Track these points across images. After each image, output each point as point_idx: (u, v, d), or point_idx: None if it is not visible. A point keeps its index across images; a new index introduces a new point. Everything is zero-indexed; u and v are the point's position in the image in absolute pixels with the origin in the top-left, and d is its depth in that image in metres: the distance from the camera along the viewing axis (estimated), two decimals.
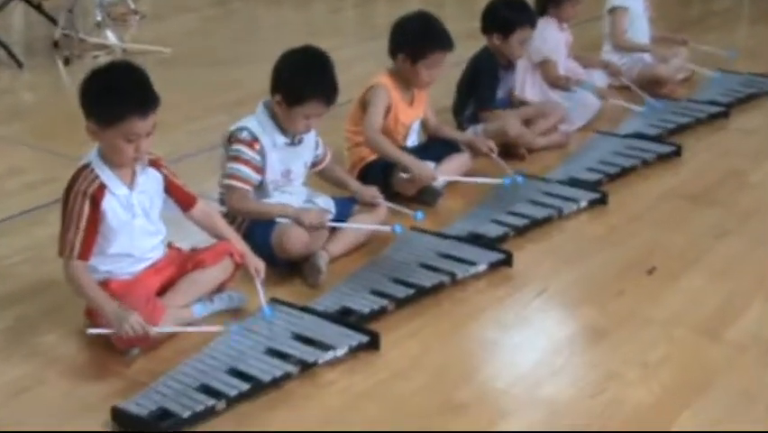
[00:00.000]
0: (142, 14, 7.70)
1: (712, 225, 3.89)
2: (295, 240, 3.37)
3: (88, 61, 6.39)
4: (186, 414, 2.61)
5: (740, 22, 7.85)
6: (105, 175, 2.97)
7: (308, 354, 2.88)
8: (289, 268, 3.44)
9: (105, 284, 3.01)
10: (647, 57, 5.63)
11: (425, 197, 4.05)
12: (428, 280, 3.34)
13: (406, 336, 3.10)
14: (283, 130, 3.52)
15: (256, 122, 3.51)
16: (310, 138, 3.65)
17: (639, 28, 5.68)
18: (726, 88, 5.50)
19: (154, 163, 3.11)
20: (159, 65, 6.18)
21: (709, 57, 5.79)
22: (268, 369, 2.80)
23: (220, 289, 3.23)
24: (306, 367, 2.85)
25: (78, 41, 6.74)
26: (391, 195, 3.89)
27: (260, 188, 3.53)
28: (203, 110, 5.36)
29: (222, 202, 3.55)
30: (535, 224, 3.87)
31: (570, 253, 3.70)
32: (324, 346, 2.92)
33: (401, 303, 3.24)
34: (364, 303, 3.19)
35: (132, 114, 2.87)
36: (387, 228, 3.46)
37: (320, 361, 2.88)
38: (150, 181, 3.09)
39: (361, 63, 5.33)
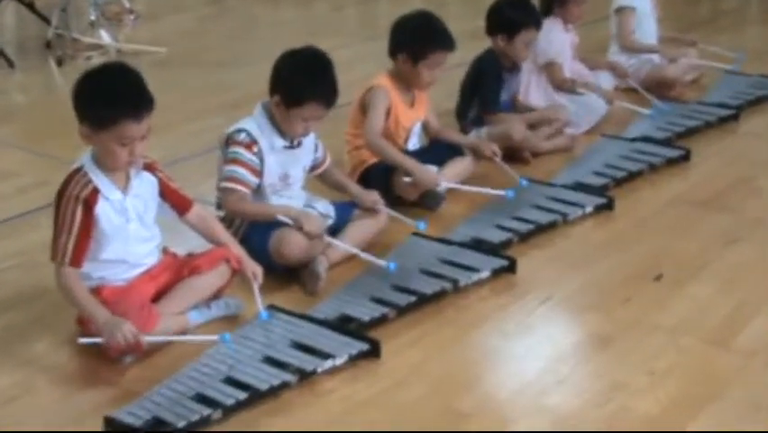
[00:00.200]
0: (137, 14, 7.71)
1: (721, 232, 3.90)
2: (293, 245, 3.38)
3: (82, 62, 6.40)
4: (180, 424, 2.61)
5: (750, 22, 7.86)
6: (99, 179, 2.97)
7: (307, 362, 2.89)
8: (287, 274, 3.44)
9: (98, 291, 3.01)
10: (655, 58, 5.63)
11: (426, 201, 4.05)
12: (430, 286, 3.35)
13: (408, 345, 3.10)
14: (282, 132, 3.53)
15: (254, 124, 3.52)
16: (309, 141, 3.65)
17: (647, 28, 5.69)
18: (735, 90, 5.49)
19: (149, 167, 3.11)
20: (154, 65, 6.20)
21: (718, 59, 5.80)
22: (265, 378, 2.80)
23: (217, 295, 3.23)
24: (304, 376, 2.86)
25: (72, 41, 6.75)
26: (392, 199, 3.89)
27: (258, 191, 3.53)
28: (199, 112, 5.36)
29: (219, 206, 3.55)
30: (540, 229, 3.87)
31: (575, 260, 3.70)
32: (324, 355, 2.93)
33: (402, 311, 3.24)
34: (364, 310, 3.20)
35: (127, 117, 2.88)
36: (381, 263, 3.44)
37: (319, 369, 2.89)
38: (144, 185, 3.10)
39: (363, 64, 5.34)
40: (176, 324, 3.07)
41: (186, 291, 3.15)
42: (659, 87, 5.46)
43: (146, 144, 2.98)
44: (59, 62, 6.44)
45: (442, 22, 4.12)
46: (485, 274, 3.48)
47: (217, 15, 8.06)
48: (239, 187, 3.45)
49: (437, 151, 4.30)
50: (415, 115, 4.22)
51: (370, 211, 3.68)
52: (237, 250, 3.25)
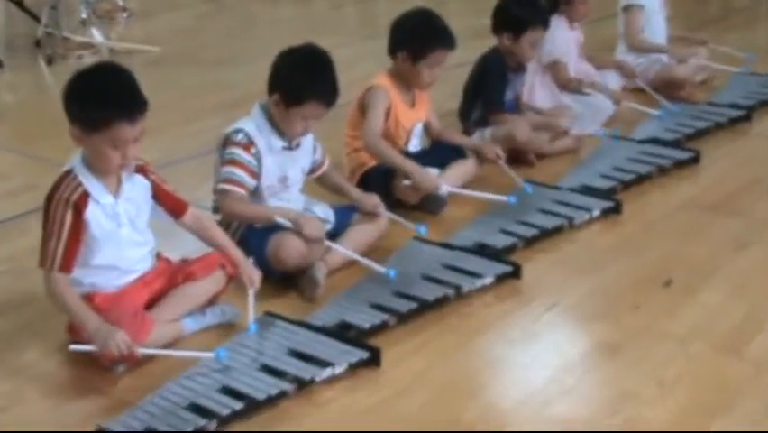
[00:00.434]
0: (130, 11, 7.73)
1: (732, 237, 3.89)
2: (292, 250, 3.38)
3: (73, 61, 6.42)
4: None
5: (761, 20, 7.86)
6: (89, 182, 2.97)
7: (305, 371, 2.89)
8: (285, 280, 3.44)
9: (89, 298, 3.01)
10: (664, 57, 5.64)
11: (428, 205, 4.05)
12: (432, 293, 3.35)
13: (409, 353, 3.10)
14: (280, 133, 3.53)
15: (252, 124, 3.52)
16: (308, 142, 3.66)
17: (655, 27, 5.69)
18: (747, 91, 5.50)
19: (141, 169, 3.10)
20: (147, 65, 6.21)
21: (729, 59, 5.80)
22: (262, 387, 2.80)
23: (212, 302, 3.23)
24: (302, 385, 2.85)
25: (62, 40, 6.77)
26: (393, 202, 3.89)
27: (256, 194, 3.53)
28: (194, 112, 5.37)
29: (215, 210, 3.55)
30: (545, 234, 3.87)
31: (581, 265, 3.70)
32: (322, 363, 2.92)
33: (403, 317, 3.24)
34: (364, 317, 3.19)
35: (120, 119, 2.87)
36: (381, 269, 3.44)
37: (318, 378, 2.88)
38: (136, 189, 3.09)
39: (363, 63, 5.35)
40: (170, 332, 3.06)
41: (180, 298, 3.15)
42: (668, 88, 5.46)
43: (139, 147, 2.98)
44: (49, 61, 6.45)
45: (442, 20, 4.12)
46: (489, 280, 3.47)
47: (214, 13, 8.07)
48: (236, 188, 3.45)
49: (439, 153, 4.30)
50: (415, 116, 4.22)
51: (371, 215, 3.68)
52: (235, 252, 3.24)
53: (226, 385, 2.81)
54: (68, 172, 2.98)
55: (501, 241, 3.77)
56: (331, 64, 3.51)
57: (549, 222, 3.92)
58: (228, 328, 3.20)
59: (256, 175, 3.49)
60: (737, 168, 4.62)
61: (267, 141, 3.51)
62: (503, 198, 3.98)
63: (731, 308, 3.36)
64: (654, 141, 4.78)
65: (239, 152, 3.46)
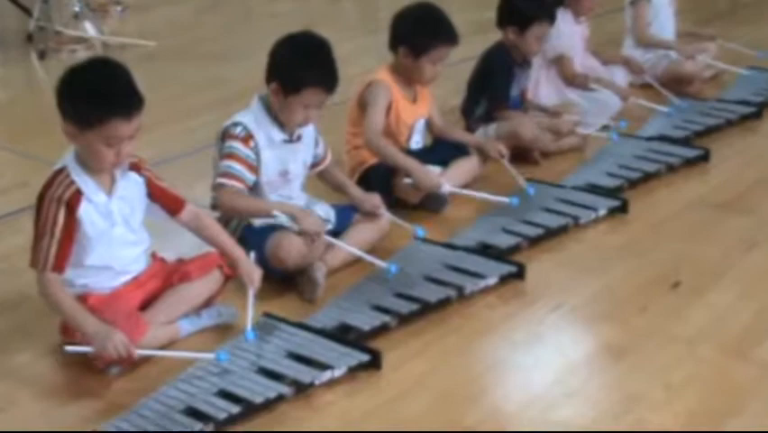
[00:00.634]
0: (124, 5, 7.73)
1: (742, 236, 3.90)
2: (291, 249, 3.38)
3: (65, 56, 6.43)
4: None
5: None
6: (82, 180, 2.97)
7: (304, 373, 2.89)
8: (284, 280, 3.44)
9: (82, 299, 3.01)
10: (672, 53, 5.64)
11: (429, 204, 4.06)
12: (434, 294, 3.35)
13: (410, 355, 3.10)
14: (280, 125, 3.53)
15: (251, 116, 3.53)
16: (309, 135, 3.66)
17: (663, 21, 5.69)
18: (757, 87, 5.50)
19: (134, 166, 3.10)
20: (142, 60, 6.21)
21: (739, 56, 5.80)
22: (260, 390, 2.81)
23: (208, 303, 3.24)
24: (301, 388, 2.86)
25: (54, 34, 6.77)
26: (393, 201, 3.90)
27: (256, 189, 3.54)
28: (191, 108, 5.38)
29: (214, 207, 3.55)
30: (550, 233, 3.88)
31: (587, 266, 3.70)
32: (321, 366, 2.93)
33: (405, 319, 3.24)
34: (364, 319, 3.20)
35: (115, 116, 2.87)
36: (382, 264, 3.45)
37: (316, 381, 2.89)
38: (130, 187, 3.09)
39: (363, 58, 5.36)
40: (165, 334, 3.07)
41: (175, 299, 3.15)
42: (677, 84, 5.47)
43: (134, 145, 2.98)
44: (41, 56, 6.45)
45: (445, 14, 4.12)
46: (492, 281, 3.48)
47: (211, 7, 8.08)
48: (234, 183, 3.45)
49: (441, 150, 4.30)
50: (417, 112, 4.23)
51: (371, 215, 3.68)
52: (235, 250, 3.23)
53: (223, 388, 2.81)
54: (61, 170, 2.98)
55: (505, 241, 3.78)
56: (329, 49, 3.51)
57: (554, 221, 3.93)
58: (225, 330, 3.20)
59: (255, 169, 3.50)
60: (747, 166, 4.62)
61: (266, 134, 3.51)
62: (505, 199, 3.98)
63: (741, 310, 3.36)
64: (662, 138, 4.79)
65: (237, 146, 3.47)
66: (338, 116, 4.16)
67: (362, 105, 4.08)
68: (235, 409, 2.73)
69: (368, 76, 4.13)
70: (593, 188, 4.24)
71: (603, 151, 4.69)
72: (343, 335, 3.12)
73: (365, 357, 2.99)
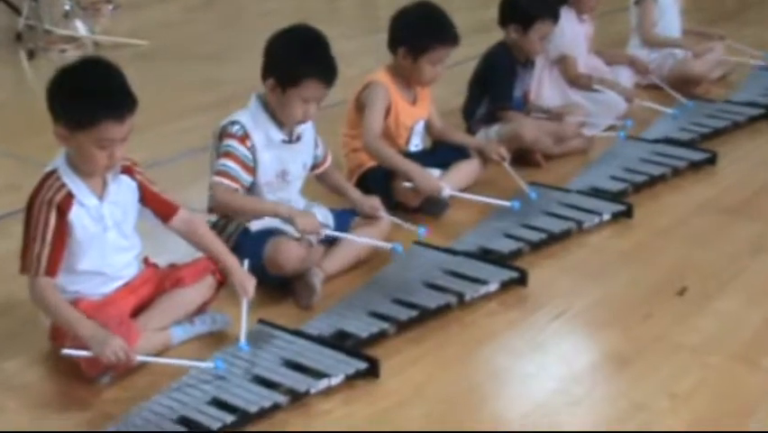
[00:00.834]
0: (116, 3, 7.74)
1: (750, 242, 3.90)
2: (291, 255, 3.37)
3: (55, 55, 6.43)
4: None
5: None
6: (73, 183, 2.97)
7: (300, 382, 2.89)
8: (280, 287, 3.45)
9: (72, 305, 2.98)
10: (679, 52, 5.65)
11: (429, 208, 4.06)
12: (433, 300, 3.36)
13: (409, 363, 3.11)
14: (279, 124, 3.54)
15: (249, 115, 3.53)
16: (309, 135, 3.67)
17: (670, 20, 5.71)
18: (766, 88, 5.51)
19: (127, 170, 3.10)
20: (134, 59, 6.22)
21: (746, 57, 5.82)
22: (255, 399, 2.81)
23: (201, 309, 3.24)
24: (297, 397, 2.86)
25: (44, 33, 6.78)
26: (393, 205, 3.91)
27: (253, 190, 3.54)
28: (184, 109, 5.38)
29: (211, 210, 3.55)
30: (553, 238, 3.88)
31: (591, 272, 3.71)
32: (318, 374, 2.93)
33: (403, 326, 3.25)
34: (362, 326, 3.20)
35: (108, 117, 2.86)
36: (386, 245, 3.48)
37: (313, 390, 2.89)
38: (123, 191, 3.09)
39: (361, 59, 5.36)
40: (157, 341, 3.07)
41: (168, 305, 3.15)
42: (683, 84, 5.48)
43: (126, 147, 2.98)
44: (31, 55, 6.46)
45: (445, 13, 4.13)
46: (493, 287, 3.49)
47: (204, 5, 8.09)
48: (229, 182, 3.44)
49: (441, 153, 4.31)
50: (417, 113, 4.23)
51: (370, 218, 3.69)
52: (228, 259, 3.23)
53: (217, 397, 2.81)
54: (52, 173, 2.98)
55: (506, 246, 3.78)
56: (326, 41, 3.51)
57: (557, 226, 3.93)
58: (218, 338, 3.20)
59: (251, 170, 3.50)
60: (756, 169, 4.63)
61: (265, 133, 3.51)
62: (506, 203, 3.99)
63: (748, 317, 3.37)
64: (668, 141, 4.80)
65: (234, 144, 3.47)
66: (336, 118, 4.17)
67: (360, 106, 4.09)
68: (229, 418, 2.72)
69: (366, 77, 4.13)
70: (597, 192, 4.24)
71: (607, 153, 4.69)
72: (340, 342, 3.12)
73: (363, 365, 2.99)
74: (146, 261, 3.27)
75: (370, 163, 4.10)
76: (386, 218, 3.72)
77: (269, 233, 3.45)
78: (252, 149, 3.49)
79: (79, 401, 2.89)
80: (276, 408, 2.81)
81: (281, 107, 3.50)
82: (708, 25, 6.25)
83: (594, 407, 2.91)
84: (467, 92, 4.76)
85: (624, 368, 3.10)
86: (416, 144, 4.28)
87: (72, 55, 6.39)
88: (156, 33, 6.92)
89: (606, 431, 2.73)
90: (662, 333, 3.28)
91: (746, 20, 7.30)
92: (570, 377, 3.06)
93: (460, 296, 3.40)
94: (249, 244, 3.45)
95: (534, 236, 3.85)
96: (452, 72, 4.22)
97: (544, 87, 5.05)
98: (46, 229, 2.92)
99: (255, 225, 3.52)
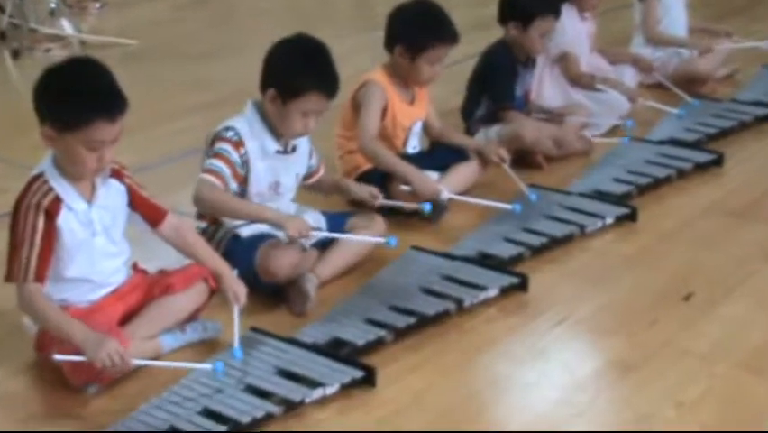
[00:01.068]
0: (103, 1, 7.74)
1: (758, 245, 3.91)
2: (283, 261, 3.37)
3: (40, 55, 6.43)
4: None
5: None
6: (61, 187, 2.96)
7: (294, 391, 2.90)
8: (272, 293, 3.45)
9: None
10: (684, 51, 5.65)
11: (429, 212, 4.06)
12: (431, 307, 3.36)
13: (406, 371, 3.11)
14: (276, 134, 3.54)
15: (245, 123, 3.53)
16: (304, 146, 3.67)
17: (675, 17, 5.71)
18: None
19: (116, 173, 3.10)
20: (122, 59, 6.22)
21: (755, 54, 5.81)
22: (247, 409, 2.81)
23: (193, 317, 3.23)
24: (291, 407, 2.86)
25: (29, 32, 6.78)
26: (390, 208, 3.91)
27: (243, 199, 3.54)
28: (174, 111, 5.38)
29: (200, 216, 3.55)
30: (554, 243, 3.89)
31: (594, 277, 3.71)
32: (312, 383, 2.93)
33: (400, 333, 3.25)
34: (358, 333, 3.21)
35: (98, 118, 2.85)
36: (380, 239, 3.49)
37: (307, 399, 2.90)
38: (112, 195, 3.09)
39: (357, 58, 5.35)
40: (147, 349, 3.06)
41: (158, 313, 3.15)
42: (689, 83, 5.48)
43: (115, 150, 2.97)
44: (15, 55, 6.46)
45: (443, 11, 4.13)
46: (493, 293, 3.49)
47: (194, 3, 8.08)
48: (214, 179, 3.42)
49: (439, 154, 4.32)
50: (415, 114, 4.24)
51: (366, 223, 3.69)
52: (219, 266, 3.23)
53: (208, 408, 2.81)
54: (38, 176, 2.97)
55: (506, 250, 3.79)
56: (328, 53, 3.52)
57: (558, 230, 3.94)
58: (210, 345, 3.20)
59: (240, 178, 3.49)
60: (763, 170, 4.64)
61: (260, 143, 3.51)
62: (507, 205, 3.99)
63: (756, 323, 3.38)
64: (673, 141, 4.80)
65: (227, 148, 3.46)
66: (331, 120, 4.17)
67: (356, 106, 4.10)
68: (221, 428, 2.73)
69: (362, 76, 4.14)
70: (600, 195, 4.25)
71: (610, 155, 4.69)
72: (336, 350, 3.13)
73: (359, 374, 3.00)
74: (135, 267, 3.27)
75: (366, 166, 4.11)
76: (380, 220, 3.72)
77: (259, 238, 3.45)
78: (245, 156, 3.49)
79: (66, 412, 2.89)
80: (269, 418, 2.82)
81: (281, 119, 3.50)
82: (716, 21, 6.25)
83: (597, 416, 2.91)
84: (466, 92, 4.77)
85: (628, 376, 3.10)
86: (414, 146, 4.28)
87: (58, 55, 6.39)
88: (145, 32, 6.92)
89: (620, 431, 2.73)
90: (668, 339, 3.28)
91: (756, 15, 7.29)
92: (572, 386, 3.06)
93: (458, 302, 3.40)
94: (239, 251, 3.45)
95: (536, 241, 3.86)
96: (451, 71, 4.23)
97: (546, 87, 5.05)
98: (34, 234, 2.91)
99: (245, 231, 3.52)
